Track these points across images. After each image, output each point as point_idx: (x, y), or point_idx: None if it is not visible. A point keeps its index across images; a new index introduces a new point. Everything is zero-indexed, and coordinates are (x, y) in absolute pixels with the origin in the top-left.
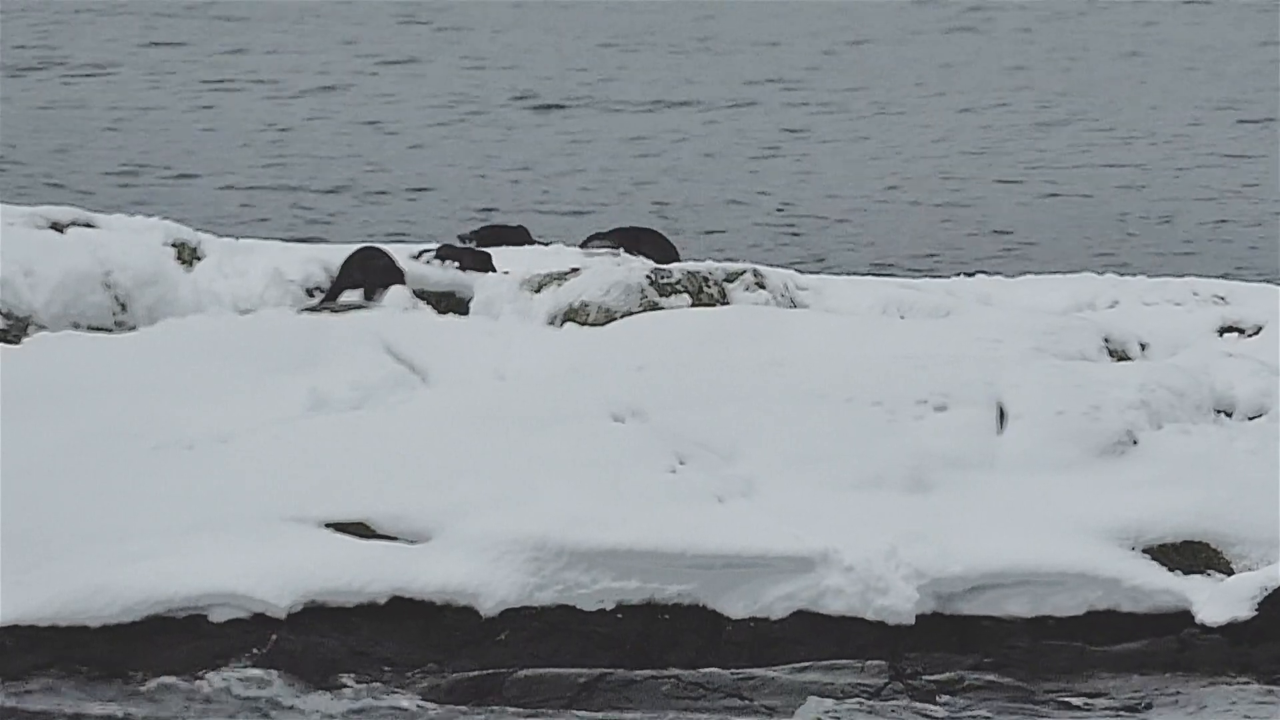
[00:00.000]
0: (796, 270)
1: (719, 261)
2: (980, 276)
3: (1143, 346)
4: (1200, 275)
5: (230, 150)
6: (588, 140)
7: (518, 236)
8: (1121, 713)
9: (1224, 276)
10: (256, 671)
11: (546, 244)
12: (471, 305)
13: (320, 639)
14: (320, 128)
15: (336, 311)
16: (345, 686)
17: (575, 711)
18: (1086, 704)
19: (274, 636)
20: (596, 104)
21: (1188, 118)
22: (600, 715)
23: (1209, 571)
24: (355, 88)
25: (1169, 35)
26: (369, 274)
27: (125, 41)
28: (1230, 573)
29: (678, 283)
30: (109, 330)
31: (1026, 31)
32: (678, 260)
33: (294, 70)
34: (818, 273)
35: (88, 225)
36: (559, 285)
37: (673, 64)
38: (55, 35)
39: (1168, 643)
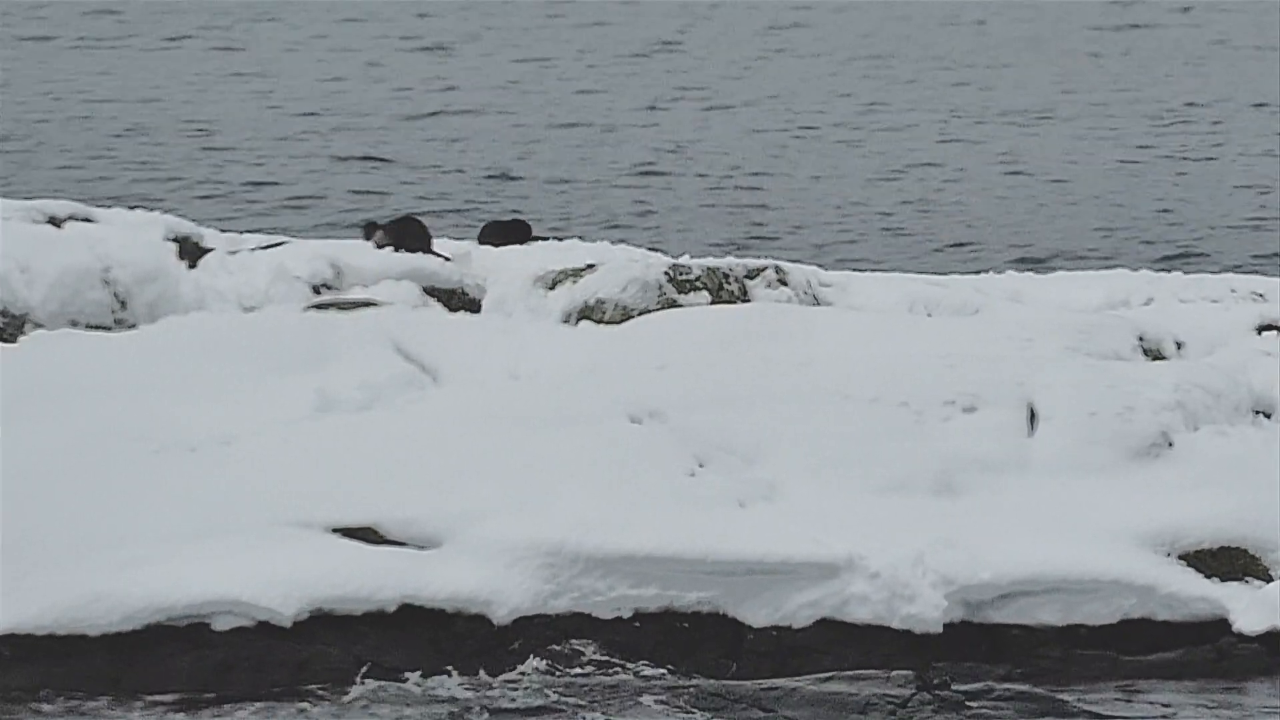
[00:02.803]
0: (819, 266)
1: (739, 257)
2: (1010, 273)
3: (1178, 345)
4: (1238, 271)
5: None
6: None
7: (520, 231)
8: None
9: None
10: (260, 682)
11: (561, 239)
12: (484, 303)
13: (327, 648)
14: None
15: (344, 309)
16: (352, 697)
17: None
18: (1120, 715)
19: (279, 646)
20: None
21: (1224, 111)
22: None
23: (1247, 578)
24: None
25: (1207, 28)
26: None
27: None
28: (1269, 579)
29: (697, 279)
30: (108, 328)
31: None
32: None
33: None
34: (842, 268)
35: (86, 220)
36: (574, 282)
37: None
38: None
39: (1204, 652)
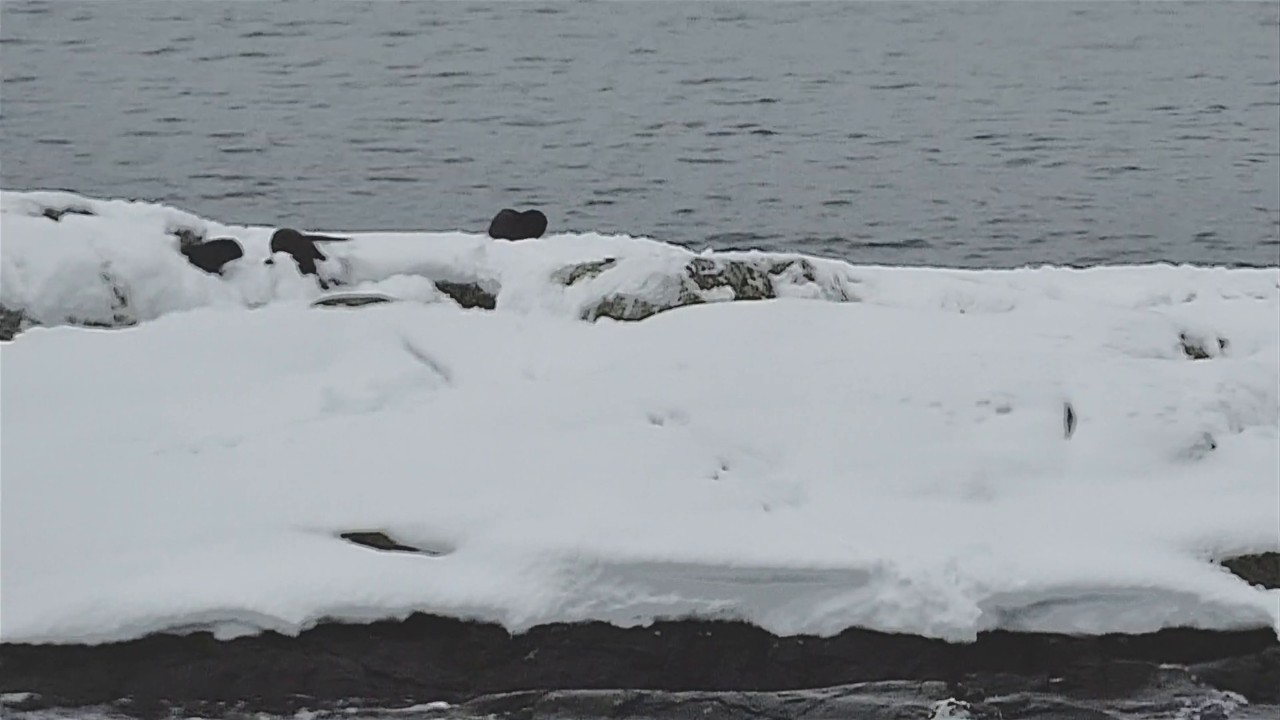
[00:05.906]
0: (848, 261)
1: (764, 251)
2: (1047, 268)
3: (1221, 343)
4: None
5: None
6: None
7: (535, 224)
8: None
9: None
10: (266, 693)
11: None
12: (499, 299)
13: (334, 658)
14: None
15: (353, 305)
16: (361, 709)
17: None
18: None
19: (285, 655)
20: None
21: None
22: None
23: None
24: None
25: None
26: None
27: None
28: None
29: (720, 274)
30: (107, 325)
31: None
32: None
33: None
34: (871, 263)
35: (85, 212)
36: (592, 277)
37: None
38: None
39: (1249, 662)
